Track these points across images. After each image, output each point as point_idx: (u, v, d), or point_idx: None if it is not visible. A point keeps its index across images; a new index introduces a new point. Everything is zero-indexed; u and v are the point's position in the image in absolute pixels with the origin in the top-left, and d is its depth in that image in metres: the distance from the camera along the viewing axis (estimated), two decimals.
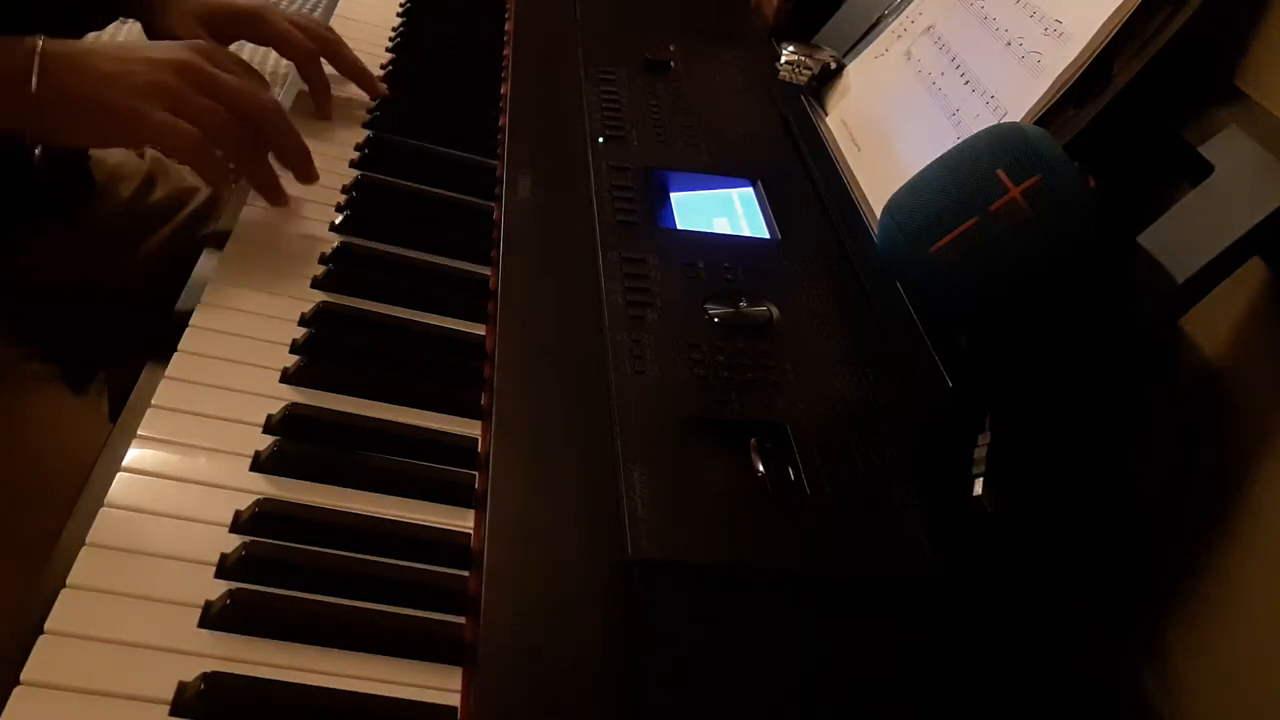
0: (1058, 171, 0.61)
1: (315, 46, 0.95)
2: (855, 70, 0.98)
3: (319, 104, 0.95)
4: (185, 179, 1.07)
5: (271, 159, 0.80)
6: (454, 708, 0.50)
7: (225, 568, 0.54)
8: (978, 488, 0.62)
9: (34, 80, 0.69)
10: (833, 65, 1.00)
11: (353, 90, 0.99)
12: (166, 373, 0.64)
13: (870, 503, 0.63)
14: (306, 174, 0.82)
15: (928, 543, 0.61)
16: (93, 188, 1.00)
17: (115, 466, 0.58)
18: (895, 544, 0.61)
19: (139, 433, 0.60)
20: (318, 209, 0.82)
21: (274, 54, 1.62)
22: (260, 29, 0.95)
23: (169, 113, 0.72)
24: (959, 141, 0.65)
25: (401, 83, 1.03)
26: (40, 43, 0.70)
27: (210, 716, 0.48)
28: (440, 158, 0.93)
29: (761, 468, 0.63)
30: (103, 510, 0.55)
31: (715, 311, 0.75)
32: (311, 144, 0.84)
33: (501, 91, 1.04)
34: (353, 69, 0.98)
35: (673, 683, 0.52)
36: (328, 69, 0.97)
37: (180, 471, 0.58)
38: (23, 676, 0.47)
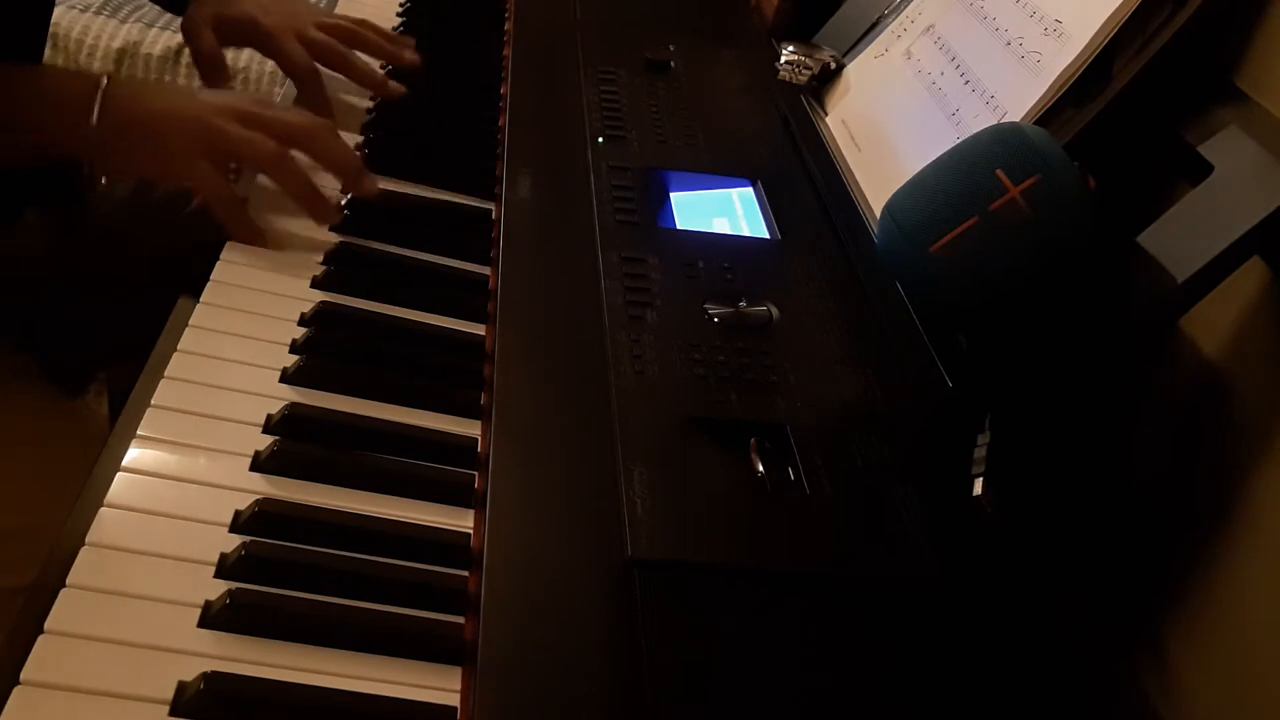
0: (1058, 171, 0.61)
1: (318, 63, 0.97)
2: (855, 70, 0.98)
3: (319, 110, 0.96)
4: None
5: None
6: (454, 708, 0.50)
7: (225, 568, 0.54)
8: (978, 488, 0.62)
9: (95, 113, 0.74)
10: (833, 65, 1.00)
11: (355, 90, 0.99)
12: (166, 373, 0.64)
13: (870, 503, 0.63)
14: (360, 184, 0.82)
15: (928, 543, 0.61)
16: (83, 187, 1.00)
17: (115, 466, 0.57)
18: (895, 544, 0.61)
19: (139, 433, 0.60)
20: None
21: None
22: (268, 45, 0.98)
23: (210, 161, 0.76)
24: (959, 141, 0.65)
25: (401, 82, 1.03)
26: (105, 79, 0.75)
27: (210, 716, 0.48)
28: (440, 157, 0.93)
29: (761, 468, 0.63)
30: (103, 510, 0.55)
31: (715, 311, 0.75)
32: None
33: (501, 91, 1.04)
34: (362, 78, 0.99)
35: (672, 682, 0.52)
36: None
37: (180, 471, 0.58)
38: (23, 676, 0.47)
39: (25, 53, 0.88)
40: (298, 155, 0.80)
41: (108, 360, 0.93)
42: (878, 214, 0.72)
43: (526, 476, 0.62)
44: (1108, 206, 0.62)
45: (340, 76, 0.98)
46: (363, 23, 1.02)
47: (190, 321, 0.68)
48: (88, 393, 0.93)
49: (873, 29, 0.99)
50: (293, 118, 0.81)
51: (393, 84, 0.98)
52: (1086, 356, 0.63)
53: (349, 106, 0.98)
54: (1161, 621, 0.66)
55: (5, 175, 0.85)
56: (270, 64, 1.62)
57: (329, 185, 0.82)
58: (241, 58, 1.62)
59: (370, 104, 0.99)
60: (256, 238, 0.78)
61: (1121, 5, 0.69)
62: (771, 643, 0.55)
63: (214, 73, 0.96)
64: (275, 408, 0.63)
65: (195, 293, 0.71)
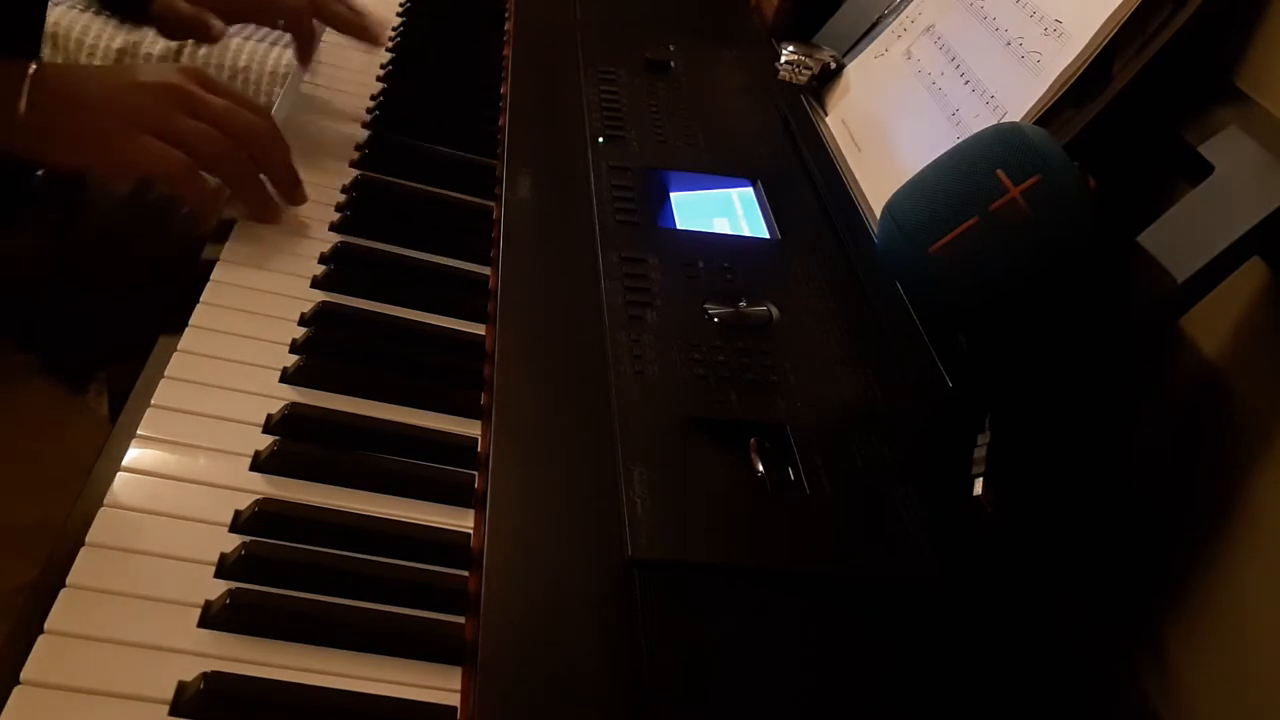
0: (1058, 171, 0.61)
1: (308, 7, 0.97)
2: (855, 70, 0.98)
3: (302, 60, 0.98)
4: None
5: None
6: (454, 708, 0.50)
7: (225, 567, 0.54)
8: (978, 488, 0.62)
9: (22, 102, 0.70)
10: (833, 65, 1.00)
11: (355, 90, 0.99)
12: (166, 373, 0.64)
13: (870, 503, 0.63)
14: (292, 196, 0.80)
15: (928, 543, 0.61)
16: (83, 189, 1.00)
17: (115, 466, 0.57)
18: (895, 544, 0.61)
19: (139, 433, 0.60)
20: (318, 209, 0.82)
21: (274, 52, 1.62)
22: (259, 4, 0.98)
23: (156, 138, 0.73)
24: (959, 141, 0.65)
25: (401, 82, 1.03)
26: (32, 66, 0.72)
27: (210, 716, 0.48)
28: (440, 158, 0.93)
29: (761, 467, 0.63)
30: (103, 510, 0.55)
31: (715, 311, 0.75)
32: (311, 143, 0.84)
33: (501, 91, 1.04)
34: (344, 24, 0.98)
35: (672, 682, 0.52)
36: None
37: (180, 471, 0.58)
38: (23, 676, 0.47)
39: (21, 52, 0.88)
40: None
41: (108, 359, 0.93)
42: (878, 214, 0.72)
43: (526, 476, 0.62)
44: (1108, 206, 0.62)
45: (339, 89, 0.98)
46: None
47: (190, 321, 0.68)
48: (88, 392, 0.93)
49: (873, 29, 0.99)
50: (242, 116, 0.76)
51: (373, 29, 0.97)
52: (1086, 356, 0.63)
53: (349, 104, 0.98)
54: (1161, 621, 0.66)
55: (5, 175, 0.85)
56: (270, 64, 1.62)
57: None
58: (241, 58, 1.62)
59: (371, 103, 0.99)
60: (212, 208, 0.75)
61: (1121, 5, 0.69)
62: (771, 643, 0.55)
63: (203, 32, 0.96)
64: (275, 408, 0.63)
65: (195, 292, 0.70)
